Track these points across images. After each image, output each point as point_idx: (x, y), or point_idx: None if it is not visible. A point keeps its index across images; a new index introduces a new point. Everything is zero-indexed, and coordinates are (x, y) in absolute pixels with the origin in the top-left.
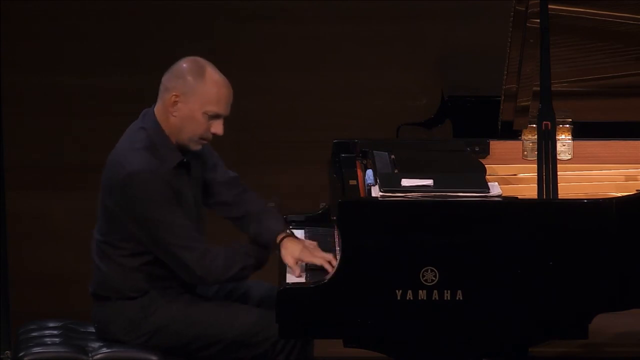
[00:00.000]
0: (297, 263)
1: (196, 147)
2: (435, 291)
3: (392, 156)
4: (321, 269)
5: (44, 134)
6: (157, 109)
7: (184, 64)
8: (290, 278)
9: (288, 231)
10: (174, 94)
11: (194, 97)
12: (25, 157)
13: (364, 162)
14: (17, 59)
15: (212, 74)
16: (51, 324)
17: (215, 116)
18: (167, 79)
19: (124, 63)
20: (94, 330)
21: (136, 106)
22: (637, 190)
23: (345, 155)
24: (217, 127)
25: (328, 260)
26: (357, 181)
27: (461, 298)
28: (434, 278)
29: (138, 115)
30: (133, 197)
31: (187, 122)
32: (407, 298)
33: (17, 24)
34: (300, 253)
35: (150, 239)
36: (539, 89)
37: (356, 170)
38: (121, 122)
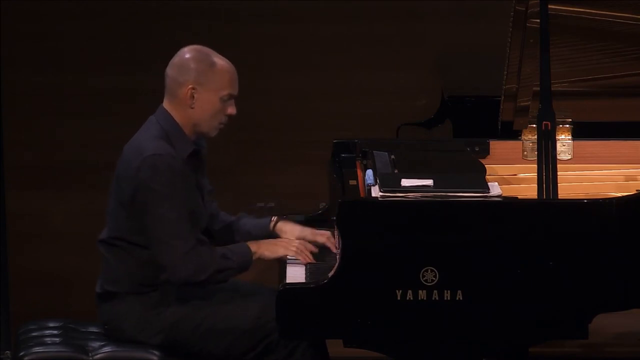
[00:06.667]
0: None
1: (215, 132)
2: (435, 291)
3: (392, 156)
4: (321, 269)
5: (44, 134)
6: (167, 103)
7: (187, 54)
8: (291, 278)
9: (275, 217)
10: (190, 87)
11: (209, 85)
12: (25, 157)
13: (364, 162)
14: (17, 59)
15: (219, 60)
16: (51, 324)
17: (229, 98)
18: (175, 74)
19: (123, 63)
20: (94, 330)
21: (135, 106)
22: (637, 190)
23: (345, 155)
24: (232, 108)
25: (327, 237)
26: (357, 181)
27: (461, 298)
28: (434, 278)
29: (137, 115)
30: (149, 178)
31: (207, 110)
32: (407, 298)
33: (17, 24)
34: (301, 231)
35: (148, 221)
36: (539, 89)
37: (356, 170)
38: (120, 122)
